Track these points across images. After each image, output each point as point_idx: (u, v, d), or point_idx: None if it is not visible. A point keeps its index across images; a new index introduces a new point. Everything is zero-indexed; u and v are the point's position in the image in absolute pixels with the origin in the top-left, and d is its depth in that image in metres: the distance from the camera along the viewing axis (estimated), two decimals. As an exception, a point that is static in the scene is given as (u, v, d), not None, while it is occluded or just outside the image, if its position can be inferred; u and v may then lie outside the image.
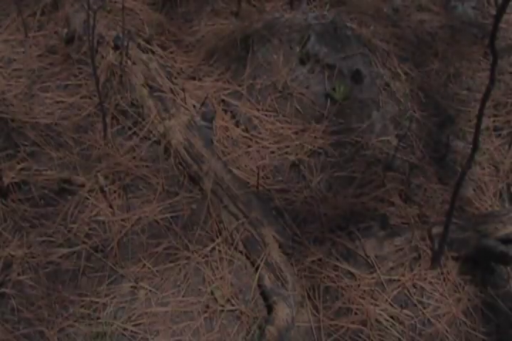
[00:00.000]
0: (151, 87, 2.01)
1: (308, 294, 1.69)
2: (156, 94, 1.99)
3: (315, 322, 1.65)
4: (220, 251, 1.75)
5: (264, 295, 1.68)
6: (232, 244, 1.75)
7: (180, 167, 1.91)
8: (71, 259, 1.70)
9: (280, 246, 1.74)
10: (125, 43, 2.04)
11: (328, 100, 2.08)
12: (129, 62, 2.05)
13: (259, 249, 1.72)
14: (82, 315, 1.59)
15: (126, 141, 1.97)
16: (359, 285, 1.71)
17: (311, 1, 2.43)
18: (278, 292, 1.64)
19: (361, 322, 1.65)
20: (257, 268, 1.70)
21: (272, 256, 1.70)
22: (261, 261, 1.70)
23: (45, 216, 1.77)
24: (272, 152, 2.01)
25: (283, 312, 1.60)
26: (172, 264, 1.72)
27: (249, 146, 2.02)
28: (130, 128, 1.99)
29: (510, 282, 1.83)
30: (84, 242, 1.74)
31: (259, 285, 1.69)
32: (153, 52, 2.19)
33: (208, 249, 1.74)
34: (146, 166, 1.91)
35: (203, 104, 2.05)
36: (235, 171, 1.93)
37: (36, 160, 1.87)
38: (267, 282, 1.67)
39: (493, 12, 2.57)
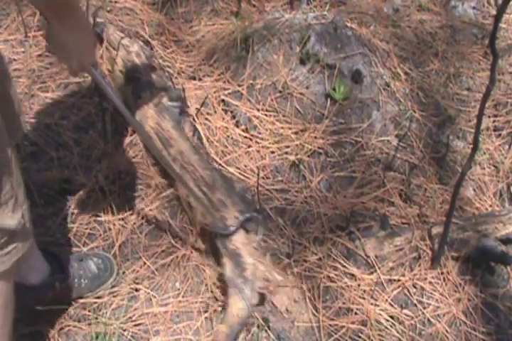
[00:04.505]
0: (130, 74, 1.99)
1: (308, 294, 1.69)
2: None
3: (315, 322, 1.65)
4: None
5: (224, 287, 1.60)
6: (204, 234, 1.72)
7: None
8: (71, 259, 1.70)
9: (243, 228, 1.64)
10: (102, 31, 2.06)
11: (328, 100, 2.08)
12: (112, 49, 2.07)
13: (221, 234, 1.63)
14: (82, 315, 1.59)
15: (125, 140, 1.97)
16: (359, 285, 1.71)
17: (311, 1, 2.43)
18: (234, 282, 1.55)
19: (361, 322, 1.65)
20: (219, 256, 1.62)
21: (233, 241, 1.61)
22: (223, 247, 1.62)
23: (45, 216, 1.77)
24: (272, 152, 2.01)
25: (236, 306, 1.51)
26: (172, 264, 1.72)
27: (249, 146, 2.02)
28: (131, 129, 1.99)
29: (510, 282, 1.83)
30: (85, 242, 1.74)
31: (221, 275, 1.62)
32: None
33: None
34: (146, 166, 1.91)
35: (202, 104, 2.05)
36: (235, 171, 1.93)
37: (36, 160, 1.87)
38: (228, 271, 1.57)
39: (493, 12, 2.57)
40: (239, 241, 1.62)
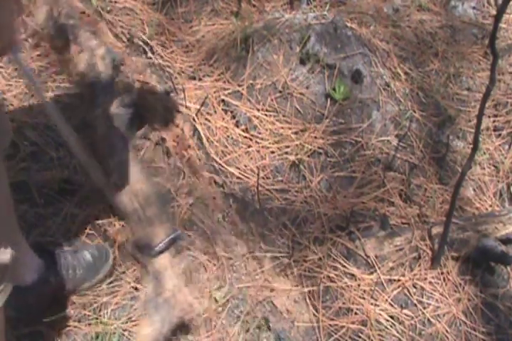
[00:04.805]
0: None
1: (308, 294, 1.69)
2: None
3: (315, 322, 1.65)
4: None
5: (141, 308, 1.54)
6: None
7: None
8: (71, 259, 1.70)
9: (170, 249, 1.57)
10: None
11: (328, 100, 2.08)
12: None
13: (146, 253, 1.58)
14: (82, 315, 1.59)
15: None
16: (359, 285, 1.71)
17: (311, 1, 2.43)
18: (150, 305, 1.46)
19: (361, 322, 1.65)
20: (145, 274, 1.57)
21: (157, 262, 1.54)
22: (147, 267, 1.56)
23: (45, 216, 1.77)
24: (272, 152, 2.01)
25: (146, 331, 1.43)
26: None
27: (249, 146, 2.02)
28: (129, 129, 1.99)
29: (510, 282, 1.83)
30: (84, 242, 1.74)
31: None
32: (153, 52, 2.19)
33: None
34: (147, 167, 1.91)
35: (202, 104, 2.05)
36: (235, 171, 1.93)
37: (36, 160, 1.87)
38: (147, 292, 1.51)
39: (493, 12, 2.57)
40: (163, 262, 1.55)
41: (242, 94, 2.10)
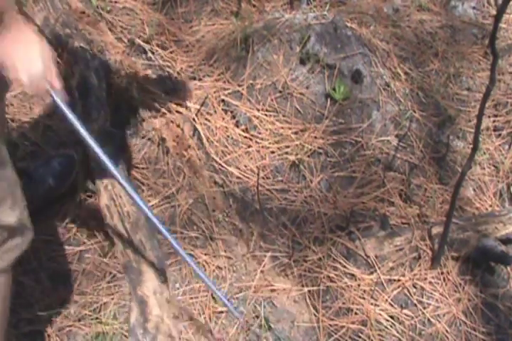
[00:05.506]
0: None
1: (308, 294, 1.69)
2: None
3: (315, 322, 1.65)
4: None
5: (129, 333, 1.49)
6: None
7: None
8: (72, 259, 1.70)
9: (156, 275, 1.58)
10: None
11: (328, 100, 2.08)
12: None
13: (133, 278, 1.57)
14: (82, 315, 1.59)
15: (125, 142, 1.97)
16: (359, 285, 1.71)
17: (311, 1, 2.43)
18: (134, 332, 1.45)
19: (361, 322, 1.65)
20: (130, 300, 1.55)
21: (143, 287, 1.54)
22: (133, 291, 1.55)
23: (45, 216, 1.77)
24: (272, 152, 2.01)
25: None
26: (172, 264, 1.72)
27: (249, 146, 2.02)
28: (130, 129, 1.99)
29: (510, 282, 1.83)
30: (84, 242, 1.74)
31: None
32: (153, 53, 2.19)
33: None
34: (147, 167, 1.92)
35: (202, 104, 2.06)
36: (235, 171, 1.93)
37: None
38: (132, 318, 1.48)
39: (493, 12, 2.57)
40: (149, 288, 1.54)
41: (242, 94, 2.10)
